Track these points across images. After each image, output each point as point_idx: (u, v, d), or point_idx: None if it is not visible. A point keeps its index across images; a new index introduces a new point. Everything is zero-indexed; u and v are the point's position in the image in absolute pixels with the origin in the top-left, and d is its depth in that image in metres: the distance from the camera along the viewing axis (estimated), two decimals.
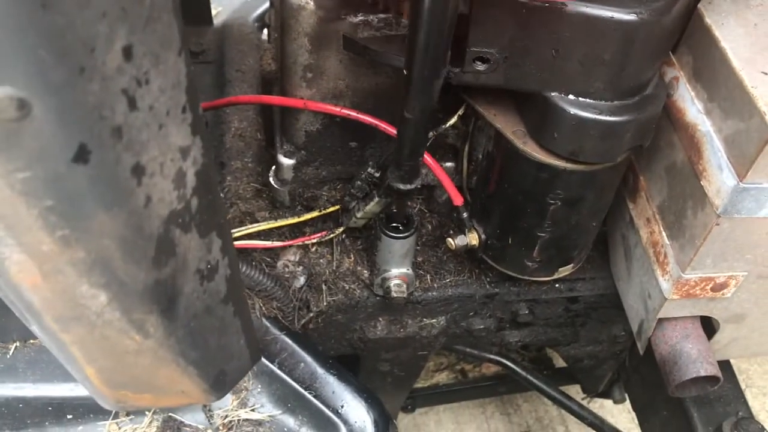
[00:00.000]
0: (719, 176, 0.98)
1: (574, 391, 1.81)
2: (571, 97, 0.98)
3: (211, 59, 1.72)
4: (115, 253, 0.52)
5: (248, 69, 1.63)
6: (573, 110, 0.97)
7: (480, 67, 0.97)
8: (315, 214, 1.26)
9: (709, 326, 1.24)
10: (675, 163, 1.09)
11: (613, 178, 1.11)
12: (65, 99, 0.44)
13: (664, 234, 1.13)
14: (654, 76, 1.02)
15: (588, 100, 0.97)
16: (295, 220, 1.25)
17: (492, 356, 1.56)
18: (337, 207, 1.26)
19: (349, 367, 1.37)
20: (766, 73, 0.94)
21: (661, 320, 1.19)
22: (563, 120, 0.98)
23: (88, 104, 0.45)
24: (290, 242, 1.26)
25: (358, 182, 1.18)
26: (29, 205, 0.47)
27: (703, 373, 1.15)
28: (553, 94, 0.98)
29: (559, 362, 2.00)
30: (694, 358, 1.16)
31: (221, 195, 0.62)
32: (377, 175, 1.16)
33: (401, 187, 1.07)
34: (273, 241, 1.25)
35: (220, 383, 0.68)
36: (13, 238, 0.49)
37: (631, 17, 0.89)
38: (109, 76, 0.46)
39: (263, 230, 1.24)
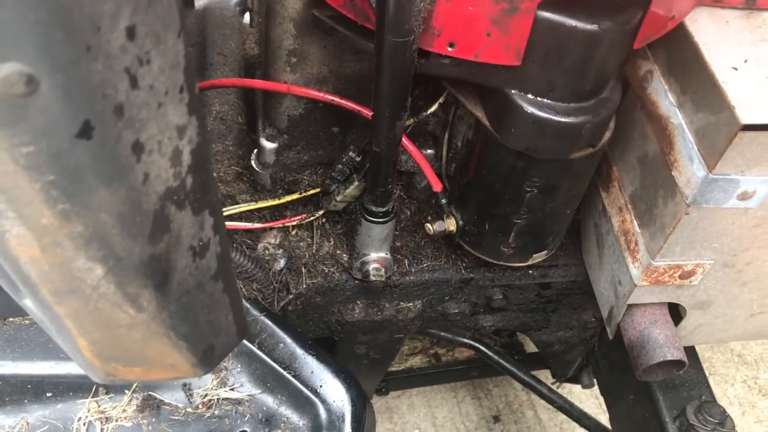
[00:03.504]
0: (690, 167, 1.01)
1: (544, 376, 1.86)
2: (530, 96, 1.01)
3: (193, 42, 1.72)
4: (113, 228, 0.54)
5: (230, 53, 1.63)
6: (530, 109, 1.00)
7: (445, 60, 0.99)
8: (295, 196, 1.27)
9: (676, 313, 1.29)
10: (647, 154, 1.13)
11: (588, 167, 1.14)
12: (72, 76, 0.45)
13: (635, 223, 1.17)
14: (611, 80, 1.05)
15: (546, 100, 1.01)
16: (276, 202, 1.26)
17: (465, 340, 1.59)
18: (318, 190, 1.28)
19: (326, 349, 1.39)
20: (736, 69, 0.98)
21: (630, 306, 1.23)
22: (520, 117, 1.01)
23: (93, 82, 0.47)
24: (270, 224, 1.27)
25: (339, 166, 1.20)
26: (32, 179, 0.49)
27: (669, 358, 1.19)
28: (513, 91, 1.01)
29: (530, 348, 2.04)
30: (662, 342, 1.20)
31: (214, 175, 0.63)
32: (358, 159, 1.18)
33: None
34: (254, 223, 1.27)
35: (208, 358, 0.70)
36: (14, 211, 0.51)
37: (593, 27, 0.91)
38: (113, 55, 0.47)
39: (244, 212, 1.26)
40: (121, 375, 0.67)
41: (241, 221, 1.28)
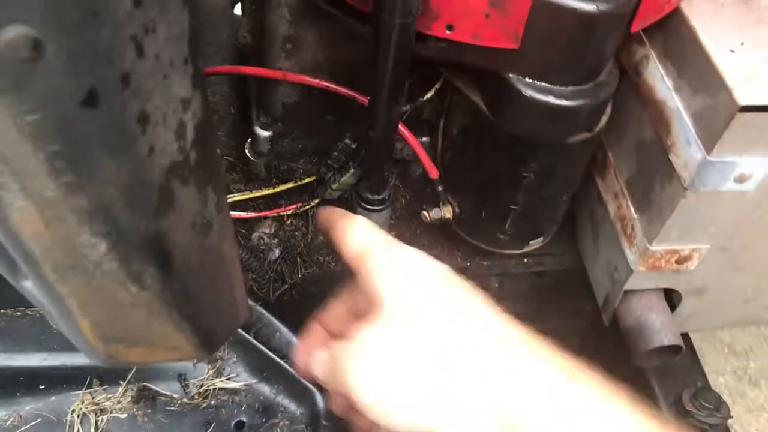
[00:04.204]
0: (687, 150, 1.02)
1: None
2: (528, 79, 1.01)
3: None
4: (118, 202, 0.53)
5: (222, 43, 1.62)
6: (529, 92, 1.00)
7: (443, 43, 0.99)
8: (290, 185, 1.27)
9: (670, 300, 1.29)
10: (644, 140, 1.13)
11: (585, 152, 1.15)
12: (78, 42, 0.44)
13: (631, 208, 1.17)
14: (608, 63, 1.05)
15: (544, 83, 1.00)
16: (271, 191, 1.25)
17: None
18: (313, 178, 1.27)
19: None
20: (733, 51, 0.98)
21: (626, 293, 1.23)
22: (519, 101, 1.01)
23: (100, 48, 0.46)
24: (265, 213, 1.26)
25: (335, 153, 1.19)
26: (36, 149, 0.48)
27: (666, 343, 1.19)
28: (511, 75, 1.01)
29: None
30: (658, 328, 1.20)
31: (218, 152, 0.63)
32: (354, 146, 1.18)
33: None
34: (248, 212, 1.26)
35: (211, 340, 0.69)
36: (18, 183, 0.49)
37: (592, 8, 0.91)
38: (119, 22, 0.46)
39: (238, 201, 1.25)
40: (123, 357, 0.66)
41: (236, 210, 1.27)
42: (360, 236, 0.78)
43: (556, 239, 1.39)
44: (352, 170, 1.18)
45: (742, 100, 0.92)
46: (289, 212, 1.27)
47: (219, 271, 0.66)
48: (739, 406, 2.35)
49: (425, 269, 0.75)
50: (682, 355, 1.41)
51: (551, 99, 0.99)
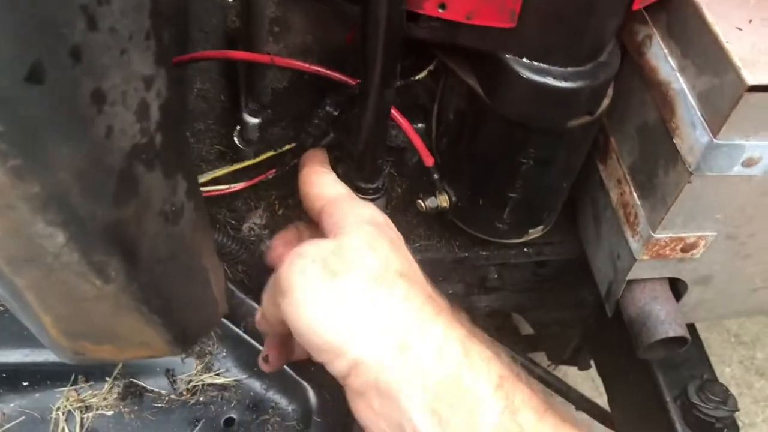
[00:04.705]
0: (692, 133, 0.97)
1: (539, 359, 1.82)
2: (525, 60, 0.96)
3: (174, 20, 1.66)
4: (73, 188, 0.49)
5: (212, 29, 1.57)
6: (526, 74, 0.95)
7: (435, 23, 0.94)
8: (270, 154, 1.22)
9: (675, 290, 1.25)
10: (647, 123, 1.08)
11: (585, 137, 1.10)
12: (19, 9, 0.40)
13: (634, 194, 1.12)
14: (609, 42, 1.01)
15: (542, 64, 0.96)
16: (250, 162, 1.21)
17: None
18: (293, 145, 1.22)
19: None
20: (740, 29, 0.94)
21: (630, 283, 1.19)
22: (516, 83, 0.96)
23: (44, 18, 0.42)
24: (247, 183, 1.22)
25: (316, 120, 1.14)
26: None
27: (672, 334, 1.15)
28: (507, 56, 0.96)
29: (525, 331, 2.00)
30: (663, 319, 1.16)
31: (188, 136, 0.58)
32: (335, 113, 1.13)
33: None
34: (231, 185, 1.22)
35: (185, 335, 0.65)
36: None
37: None
38: None
39: (220, 178, 1.21)
40: (90, 354, 0.62)
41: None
42: (326, 190, 0.92)
43: (556, 228, 1.35)
44: (332, 135, 1.14)
45: (750, 79, 0.87)
46: (270, 177, 1.22)
47: (192, 263, 0.62)
48: (746, 397, 2.31)
49: (380, 218, 0.88)
50: (688, 347, 1.37)
51: (549, 80, 0.95)
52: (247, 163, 1.24)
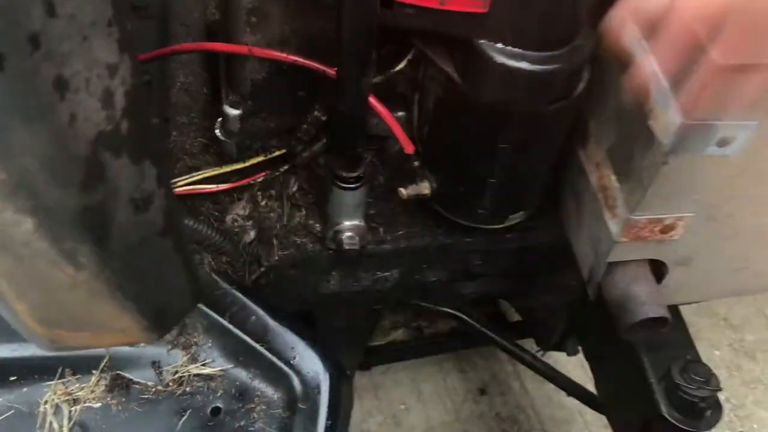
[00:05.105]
0: (666, 115, 0.98)
1: (528, 346, 1.83)
2: (499, 45, 0.97)
3: (155, 14, 1.66)
4: (40, 175, 0.50)
5: (193, 23, 1.58)
6: (500, 59, 0.97)
7: (410, 9, 0.95)
8: (261, 158, 1.23)
9: (658, 272, 1.26)
10: (623, 106, 1.09)
11: (563, 121, 1.11)
12: None
13: (612, 178, 1.13)
14: (583, 26, 1.02)
15: (516, 49, 0.97)
16: (241, 165, 1.22)
17: (447, 310, 1.56)
18: (283, 151, 1.23)
19: (305, 324, 1.36)
20: None
21: (611, 265, 1.20)
22: (490, 68, 0.97)
23: (1, 5, 0.42)
24: (235, 184, 1.23)
25: (305, 126, 1.15)
26: None
27: (652, 315, 1.16)
28: (481, 41, 0.97)
29: (514, 318, 2.02)
30: (643, 300, 1.17)
31: (155, 121, 0.59)
32: (324, 118, 1.14)
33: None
34: (218, 185, 1.22)
35: (161, 321, 0.66)
36: None
37: None
38: None
39: (209, 178, 1.22)
40: (67, 342, 0.63)
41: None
42: None
43: (539, 213, 1.36)
44: (324, 140, 1.15)
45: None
46: (260, 180, 1.23)
47: (165, 248, 0.63)
48: (736, 379, 2.33)
49: None
50: (672, 328, 1.38)
51: (524, 65, 0.96)
52: (236, 166, 1.25)
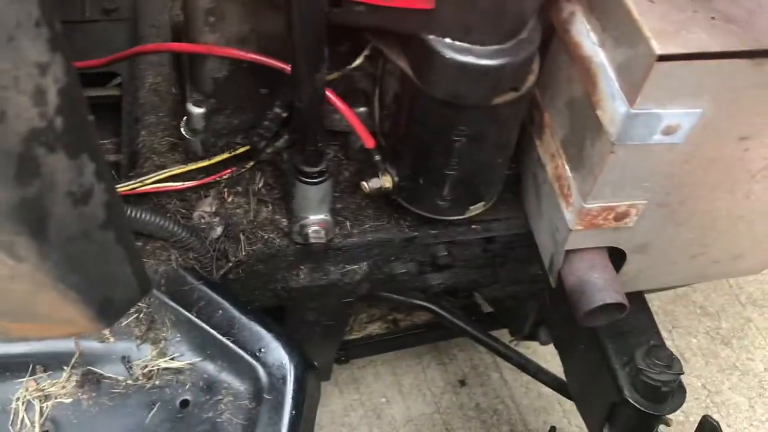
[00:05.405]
0: (612, 105, 1.01)
1: (503, 336, 1.86)
2: (447, 40, 0.99)
3: (125, 16, 1.69)
4: None
5: (162, 24, 1.60)
6: (449, 54, 0.99)
7: (359, 7, 0.97)
8: (225, 155, 1.25)
9: (619, 258, 1.28)
10: (574, 98, 1.12)
11: (514, 113, 1.14)
12: None
13: (566, 167, 1.16)
14: (530, 20, 1.04)
15: (464, 44, 0.99)
16: (206, 163, 1.24)
17: (420, 302, 1.59)
18: (247, 147, 1.25)
19: (277, 319, 1.38)
20: (652, 1, 0.97)
21: (569, 253, 1.23)
22: (440, 63, 1.00)
23: None
24: (201, 182, 1.25)
25: (266, 123, 1.17)
26: None
27: (609, 301, 1.19)
28: (430, 36, 1.00)
29: (488, 309, 2.04)
30: (600, 287, 1.20)
31: (91, 118, 0.61)
32: (284, 115, 1.16)
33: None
34: (184, 182, 1.25)
35: (107, 311, 0.68)
36: None
37: None
38: None
39: (176, 175, 1.24)
40: (15, 333, 0.66)
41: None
42: None
43: (503, 204, 1.39)
44: (286, 136, 1.17)
45: (659, 49, 0.91)
46: (226, 176, 1.25)
47: (107, 241, 0.65)
48: (712, 366, 2.36)
49: None
50: (637, 315, 1.41)
51: (471, 59, 0.98)
52: (202, 164, 1.27)
